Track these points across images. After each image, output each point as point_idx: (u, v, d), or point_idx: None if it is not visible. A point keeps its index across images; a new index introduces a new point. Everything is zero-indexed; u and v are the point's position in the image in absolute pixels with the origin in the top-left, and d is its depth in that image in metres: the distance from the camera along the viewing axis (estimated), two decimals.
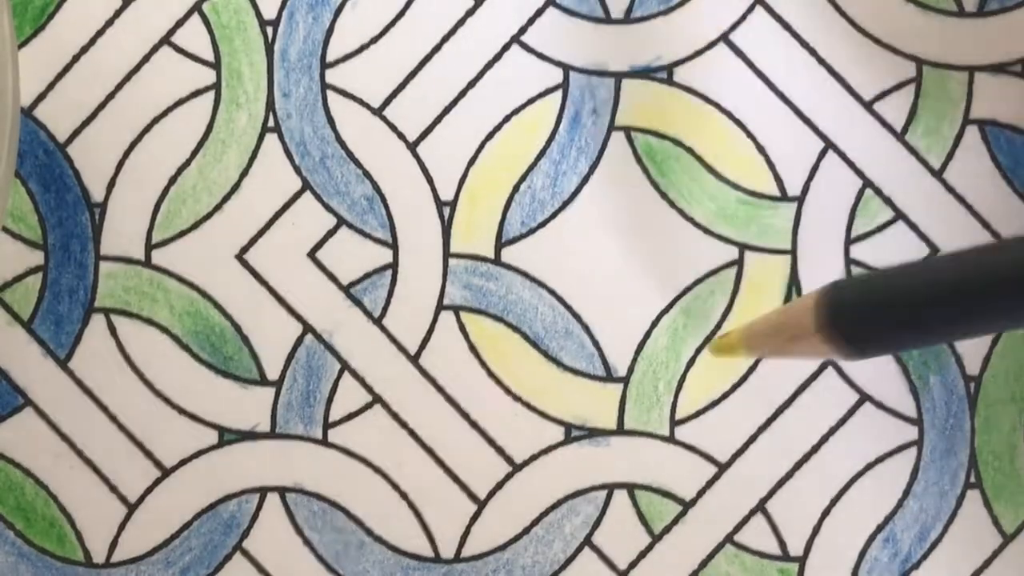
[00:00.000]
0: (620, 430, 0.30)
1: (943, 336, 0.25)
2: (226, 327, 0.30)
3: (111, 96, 0.29)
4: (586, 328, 0.30)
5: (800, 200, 0.30)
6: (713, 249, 0.30)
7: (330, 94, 0.30)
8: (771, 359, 0.29)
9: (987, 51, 0.30)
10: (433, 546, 0.30)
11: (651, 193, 0.30)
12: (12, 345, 0.29)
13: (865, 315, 0.24)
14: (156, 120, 0.29)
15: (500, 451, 0.30)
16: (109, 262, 0.29)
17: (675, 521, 0.30)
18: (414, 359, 0.30)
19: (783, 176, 0.30)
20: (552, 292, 0.30)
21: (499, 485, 0.30)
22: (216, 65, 0.29)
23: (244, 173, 0.30)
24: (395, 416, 0.30)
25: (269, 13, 0.29)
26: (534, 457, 0.30)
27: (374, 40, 0.30)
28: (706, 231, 0.30)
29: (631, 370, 0.30)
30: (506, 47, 0.30)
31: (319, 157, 0.30)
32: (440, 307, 0.30)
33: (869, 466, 0.30)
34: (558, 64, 0.30)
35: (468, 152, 0.30)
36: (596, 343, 0.30)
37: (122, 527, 0.29)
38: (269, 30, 0.29)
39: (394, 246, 0.29)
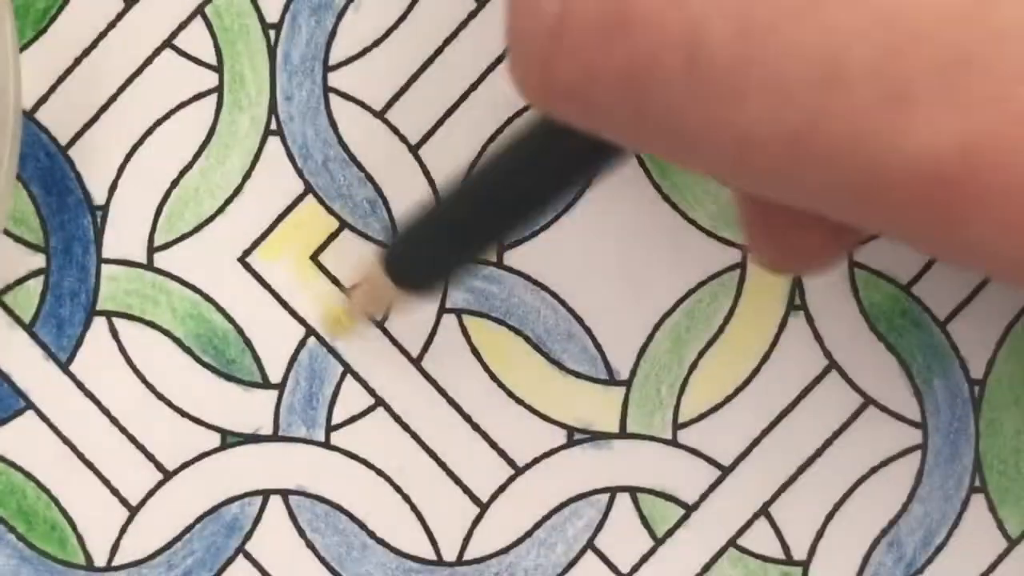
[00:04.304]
0: (623, 433, 0.30)
1: (462, 259, 0.27)
2: (228, 330, 0.29)
3: (113, 99, 0.29)
4: (588, 331, 0.30)
5: None
6: (715, 251, 0.30)
7: (332, 97, 0.30)
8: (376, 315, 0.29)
9: None
10: (435, 549, 0.30)
11: (653, 195, 0.30)
12: (14, 348, 0.29)
13: (410, 261, 0.27)
14: (158, 123, 0.29)
15: (502, 454, 0.30)
16: (111, 265, 0.29)
17: (678, 524, 0.30)
18: (416, 362, 0.30)
19: None
20: (554, 295, 0.30)
21: (501, 488, 0.30)
22: (219, 68, 0.29)
23: (246, 176, 0.30)
24: (397, 419, 0.30)
25: (272, 16, 0.29)
26: (536, 460, 0.30)
27: (376, 43, 0.30)
28: (708, 233, 0.30)
29: (633, 373, 0.30)
30: (507, 50, 0.29)
31: (321, 160, 0.30)
32: (442, 310, 0.30)
33: (873, 470, 0.30)
34: None
35: (470, 154, 0.30)
36: (598, 346, 0.30)
37: (124, 530, 0.29)
38: (272, 33, 0.29)
39: None
